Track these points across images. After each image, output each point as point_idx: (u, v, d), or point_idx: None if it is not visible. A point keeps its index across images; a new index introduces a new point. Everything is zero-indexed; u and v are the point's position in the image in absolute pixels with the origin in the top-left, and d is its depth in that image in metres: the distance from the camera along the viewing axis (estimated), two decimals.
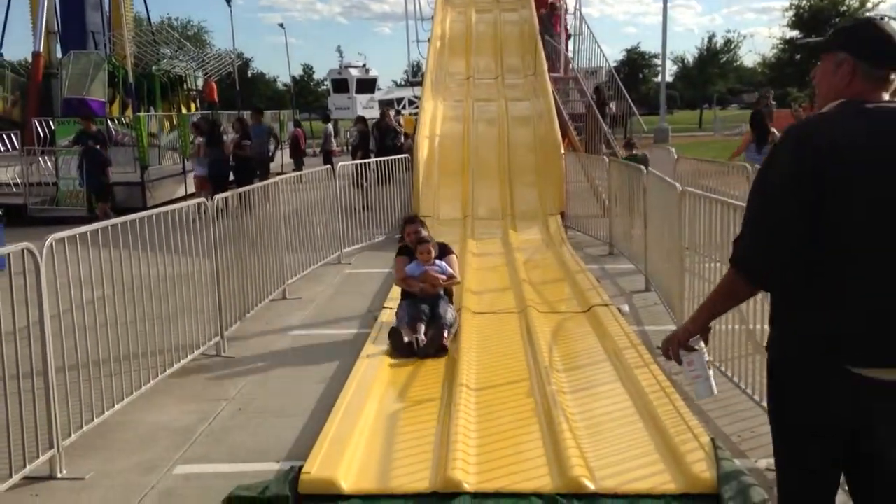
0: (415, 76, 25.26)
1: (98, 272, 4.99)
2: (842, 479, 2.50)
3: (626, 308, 7.58)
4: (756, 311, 4.80)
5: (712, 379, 2.64)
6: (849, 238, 2.23)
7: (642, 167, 9.17)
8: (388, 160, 12.77)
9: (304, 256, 9.27)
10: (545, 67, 15.56)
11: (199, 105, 27.59)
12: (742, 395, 5.08)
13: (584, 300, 7.68)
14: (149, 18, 30.44)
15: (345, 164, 12.07)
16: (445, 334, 6.33)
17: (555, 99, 14.96)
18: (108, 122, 18.33)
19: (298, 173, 11.07)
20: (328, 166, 11.56)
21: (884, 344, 2.23)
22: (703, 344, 2.60)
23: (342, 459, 4.27)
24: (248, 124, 15.94)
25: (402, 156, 13.53)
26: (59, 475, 4.37)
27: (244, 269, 7.29)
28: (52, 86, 22.02)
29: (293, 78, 57.69)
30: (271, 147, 16.65)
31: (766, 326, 4.49)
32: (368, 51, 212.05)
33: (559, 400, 4.99)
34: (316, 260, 9.73)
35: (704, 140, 34.52)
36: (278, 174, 11.65)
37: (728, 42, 62.42)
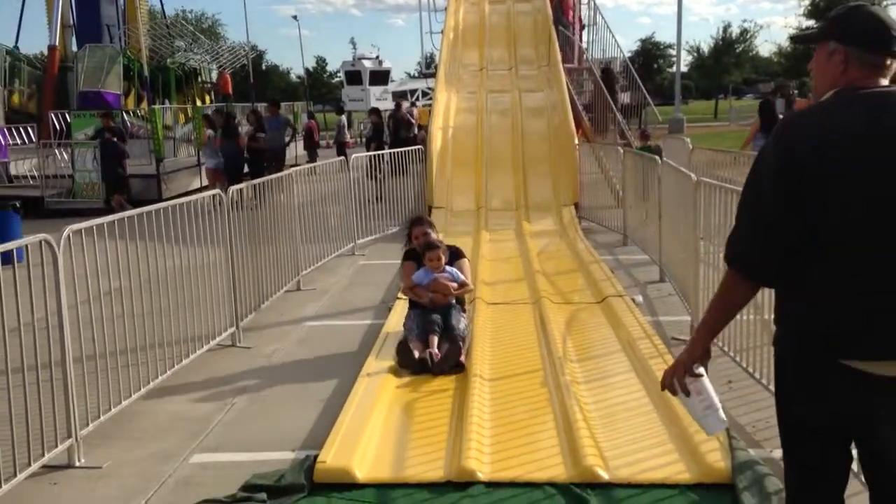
0: (428, 68, 25.21)
1: (115, 263, 5.03)
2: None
3: (639, 298, 7.56)
4: (771, 301, 4.78)
5: (720, 409, 2.43)
6: (845, 232, 2.17)
7: (656, 157, 9.14)
8: (401, 152, 12.78)
9: (318, 248, 9.30)
10: (559, 58, 15.49)
11: (213, 97, 27.66)
12: (757, 385, 5.07)
13: (598, 291, 7.68)
14: (163, 11, 30.52)
15: (358, 155, 12.08)
16: (462, 348, 5.77)
17: (568, 90, 14.91)
18: (124, 114, 18.43)
19: (312, 165, 11.10)
20: (342, 158, 11.58)
21: (884, 339, 2.18)
22: (703, 370, 2.44)
23: (357, 449, 4.29)
24: (262, 117, 15.99)
25: (416, 147, 13.53)
26: (77, 464, 4.41)
27: (259, 260, 7.33)
28: (68, 79, 22.14)
29: (307, 70, 57.80)
30: (287, 138, 16.66)
31: None
32: (382, 42, 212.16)
33: (573, 390, 5.00)
34: (330, 251, 9.76)
35: (720, 130, 34.33)
36: (292, 166, 11.69)
37: (744, 32, 61.98)
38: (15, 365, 4.00)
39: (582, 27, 19.86)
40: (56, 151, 17.10)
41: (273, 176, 8.50)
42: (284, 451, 4.51)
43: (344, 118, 23.68)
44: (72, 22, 23.34)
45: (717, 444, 4.10)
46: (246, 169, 15.03)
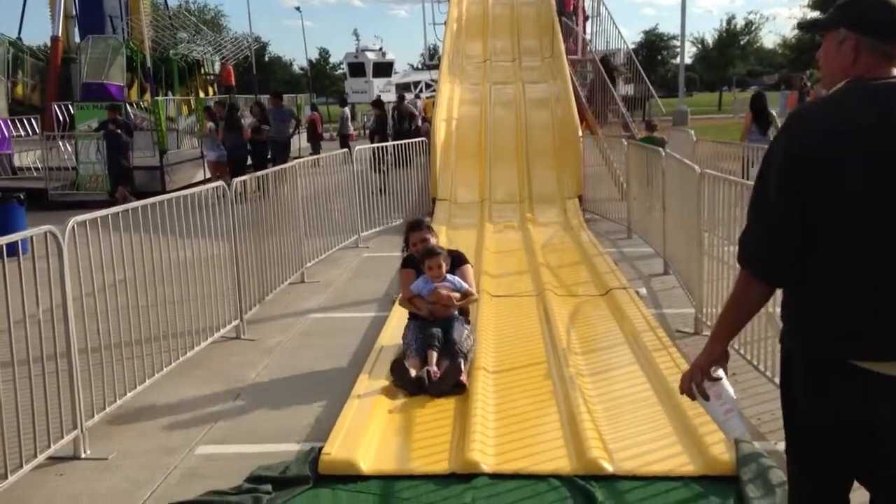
0: (431, 59, 25.12)
1: (119, 255, 5.04)
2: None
3: (643, 291, 7.56)
4: (776, 294, 4.77)
5: (738, 412, 2.38)
6: (853, 228, 2.11)
7: (660, 150, 9.12)
8: (405, 144, 12.77)
9: (322, 240, 9.31)
10: (563, 49, 15.46)
11: (216, 89, 27.63)
12: (762, 378, 5.07)
13: (602, 283, 7.68)
14: (166, 3, 30.47)
15: (362, 147, 12.07)
16: (463, 366, 5.22)
17: (572, 81, 14.88)
18: (127, 106, 18.42)
19: (316, 157, 11.09)
20: (345, 150, 11.57)
21: (891, 339, 2.12)
22: (722, 372, 2.37)
23: (361, 441, 4.31)
24: (266, 109, 15.97)
25: (420, 139, 13.51)
26: (82, 455, 4.43)
27: (263, 252, 7.34)
28: (71, 70, 22.12)
29: (310, 62, 57.77)
30: (291, 129, 16.67)
31: None
32: (385, 34, 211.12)
33: (577, 382, 5.00)
34: (334, 244, 9.77)
35: (723, 122, 34.20)
36: (295, 158, 11.68)
37: (749, 24, 61.77)
38: (21, 357, 4.01)
39: (585, 18, 19.83)
40: (60, 143, 17.10)
41: (276, 168, 8.50)
42: (289, 442, 4.53)
43: (347, 110, 23.66)
44: (74, 13, 23.28)
45: (720, 437, 4.10)
46: (249, 161, 15.03)
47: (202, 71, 27.34)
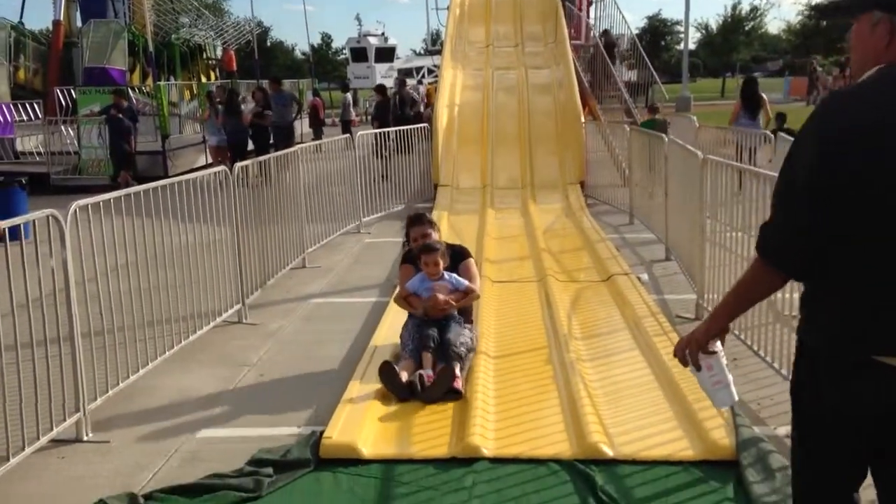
0: (434, 45, 25.04)
1: (122, 239, 5.05)
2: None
3: (645, 277, 7.56)
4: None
5: (732, 384, 2.41)
6: (883, 223, 2.00)
7: (663, 136, 9.10)
8: (407, 130, 12.74)
9: (323, 225, 9.32)
10: (566, 34, 15.40)
11: (218, 74, 27.57)
12: (762, 363, 5.08)
13: (604, 269, 7.68)
14: None
15: (364, 133, 12.05)
16: (458, 371, 4.87)
17: (575, 67, 14.83)
18: (129, 91, 18.38)
19: (318, 142, 11.08)
20: (347, 136, 11.56)
21: None
22: (720, 345, 2.38)
23: (362, 425, 4.32)
24: (268, 94, 15.94)
25: (422, 125, 13.49)
26: (84, 438, 4.45)
27: (265, 237, 7.34)
28: (73, 55, 22.06)
29: (312, 47, 57.44)
30: (293, 112, 16.64)
31: (786, 295, 4.47)
32: (387, 19, 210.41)
33: (578, 367, 5.01)
34: (335, 229, 9.77)
35: (727, 109, 33.99)
36: (297, 143, 11.67)
37: (754, 9, 61.32)
38: (24, 340, 4.03)
39: (589, 3, 19.73)
40: (62, 128, 17.08)
41: (278, 153, 8.50)
42: (290, 426, 4.54)
43: (349, 96, 23.59)
44: None
45: (721, 422, 4.12)
46: (251, 146, 15.01)
47: (204, 56, 27.25)
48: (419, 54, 58.88)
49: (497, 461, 3.96)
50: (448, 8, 17.04)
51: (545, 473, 3.84)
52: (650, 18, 69.05)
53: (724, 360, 2.40)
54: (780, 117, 12.86)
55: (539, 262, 8.08)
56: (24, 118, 19.43)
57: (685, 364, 2.39)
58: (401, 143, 12.39)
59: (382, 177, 11.89)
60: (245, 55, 34.20)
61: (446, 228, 9.82)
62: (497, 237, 9.67)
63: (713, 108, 34.56)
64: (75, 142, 16.50)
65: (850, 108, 2.06)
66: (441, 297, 5.24)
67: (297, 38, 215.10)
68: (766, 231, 2.19)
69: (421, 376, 4.74)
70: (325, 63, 67.14)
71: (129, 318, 5.05)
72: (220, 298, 6.34)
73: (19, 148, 17.89)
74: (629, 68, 18.37)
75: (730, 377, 2.40)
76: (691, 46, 47.55)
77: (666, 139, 8.72)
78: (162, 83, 18.60)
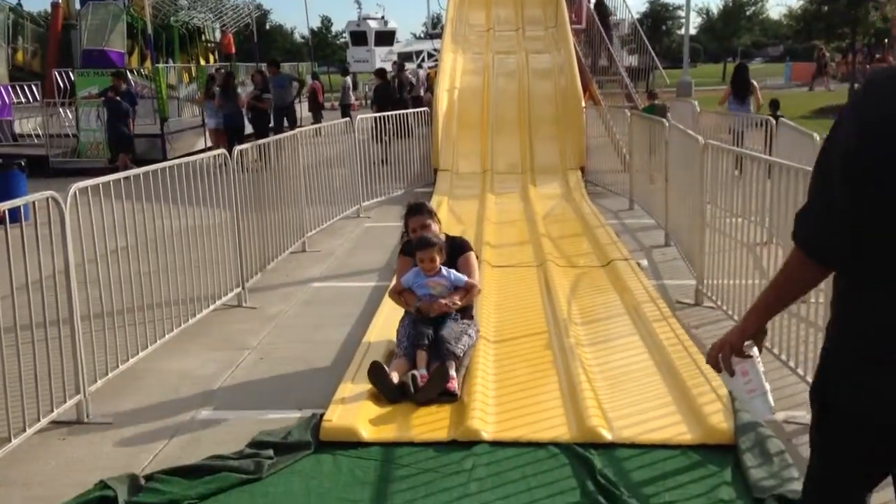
0: (434, 28, 24.94)
1: (121, 222, 5.04)
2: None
3: (644, 262, 7.57)
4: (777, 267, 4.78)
5: (769, 392, 2.21)
6: None
7: (664, 120, 9.08)
8: (407, 114, 12.70)
9: (323, 210, 9.31)
10: (567, 19, 15.33)
11: (216, 57, 27.45)
12: (767, 354, 5.08)
13: (604, 255, 7.68)
14: None
15: (364, 117, 12.02)
16: (453, 372, 4.60)
17: (576, 51, 14.78)
18: (128, 73, 18.30)
19: (317, 126, 11.05)
20: (347, 119, 11.52)
21: None
22: (756, 350, 2.20)
23: (362, 408, 4.34)
24: (267, 77, 15.88)
25: (422, 109, 13.45)
26: (85, 419, 4.47)
27: (264, 221, 7.34)
28: (72, 37, 21.95)
29: (311, 30, 57.17)
30: (294, 92, 16.56)
31: None
32: (387, 2, 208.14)
33: (577, 352, 5.03)
34: (335, 213, 9.76)
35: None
36: (298, 126, 11.64)
37: None
38: (24, 322, 4.04)
39: None
40: (60, 110, 17.02)
41: (277, 137, 8.48)
42: (290, 409, 4.56)
43: (349, 79, 23.51)
44: None
45: (719, 406, 4.13)
46: (250, 129, 14.97)
47: (203, 38, 27.12)
48: (419, 38, 58.60)
49: (497, 444, 3.98)
50: None
51: (544, 457, 3.86)
52: (651, 3, 68.68)
53: (760, 367, 2.23)
54: (774, 104, 12.85)
55: (539, 248, 8.08)
56: (23, 100, 19.38)
57: (718, 370, 2.24)
58: (400, 128, 12.36)
59: (382, 161, 11.87)
60: (244, 38, 34.05)
61: (446, 213, 9.82)
62: (497, 222, 9.67)
63: (714, 94, 34.47)
64: (74, 124, 16.44)
65: (889, 91, 1.94)
66: (443, 302, 5.00)
67: (297, 21, 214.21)
68: (803, 219, 2.07)
69: (413, 377, 4.53)
70: (324, 46, 66.84)
71: (129, 300, 5.06)
72: (220, 282, 6.35)
73: (18, 130, 17.84)
74: (630, 53, 18.30)
75: (767, 385, 2.23)
76: (692, 31, 47.41)
77: (667, 124, 8.70)
78: (160, 66, 18.51)
